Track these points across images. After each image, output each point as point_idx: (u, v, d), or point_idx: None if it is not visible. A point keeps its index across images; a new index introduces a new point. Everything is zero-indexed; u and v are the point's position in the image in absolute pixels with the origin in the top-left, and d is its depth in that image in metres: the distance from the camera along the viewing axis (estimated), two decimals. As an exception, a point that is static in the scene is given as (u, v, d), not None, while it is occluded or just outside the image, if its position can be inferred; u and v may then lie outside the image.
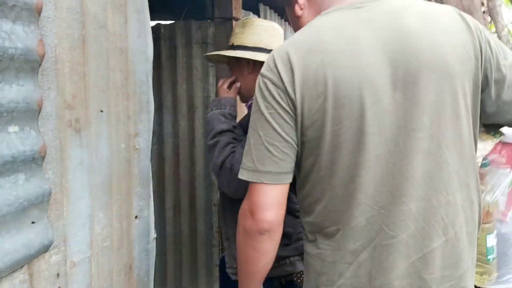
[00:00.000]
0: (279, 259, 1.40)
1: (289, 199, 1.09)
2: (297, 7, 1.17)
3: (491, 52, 1.04)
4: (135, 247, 1.30)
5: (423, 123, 0.98)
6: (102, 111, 1.11)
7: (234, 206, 1.37)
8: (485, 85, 1.05)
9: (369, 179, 0.99)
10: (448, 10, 1.07)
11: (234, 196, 1.39)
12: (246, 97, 1.65)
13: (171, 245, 3.05)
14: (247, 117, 1.61)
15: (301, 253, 1.34)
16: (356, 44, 1.00)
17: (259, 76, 1.04)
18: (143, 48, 1.29)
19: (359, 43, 1.00)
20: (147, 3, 1.31)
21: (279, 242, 1.09)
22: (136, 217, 1.30)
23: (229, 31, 2.15)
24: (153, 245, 1.40)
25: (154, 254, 1.41)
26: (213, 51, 1.96)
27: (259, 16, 3.38)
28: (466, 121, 1.02)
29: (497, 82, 1.05)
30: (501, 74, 1.05)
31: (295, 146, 1.02)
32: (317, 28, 1.05)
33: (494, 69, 1.04)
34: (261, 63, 1.36)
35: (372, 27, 1.01)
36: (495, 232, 1.26)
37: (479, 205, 1.09)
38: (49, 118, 0.93)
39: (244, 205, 1.07)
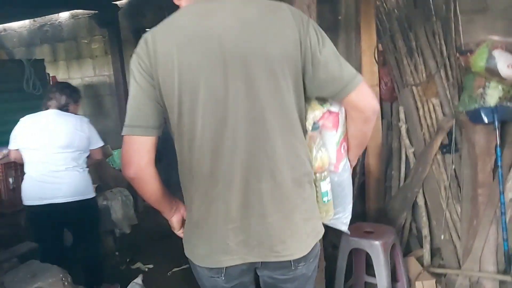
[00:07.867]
0: None
1: None
2: None
3: (311, 41, 1.29)
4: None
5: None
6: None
7: None
8: (305, 67, 1.32)
9: None
10: (280, 5, 1.30)
11: None
12: None
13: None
14: None
15: None
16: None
17: None
18: None
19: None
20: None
21: None
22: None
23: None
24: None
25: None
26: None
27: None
28: (287, 94, 1.31)
29: (314, 64, 1.31)
30: (317, 59, 1.31)
31: None
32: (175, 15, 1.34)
33: (313, 54, 1.30)
34: None
35: (215, 17, 1.28)
36: (327, 179, 1.59)
37: (309, 159, 1.42)
38: None
39: None
